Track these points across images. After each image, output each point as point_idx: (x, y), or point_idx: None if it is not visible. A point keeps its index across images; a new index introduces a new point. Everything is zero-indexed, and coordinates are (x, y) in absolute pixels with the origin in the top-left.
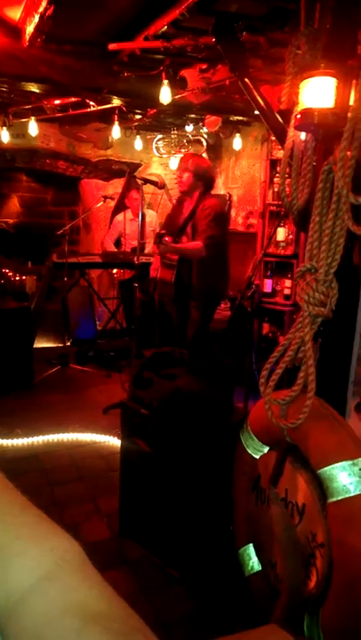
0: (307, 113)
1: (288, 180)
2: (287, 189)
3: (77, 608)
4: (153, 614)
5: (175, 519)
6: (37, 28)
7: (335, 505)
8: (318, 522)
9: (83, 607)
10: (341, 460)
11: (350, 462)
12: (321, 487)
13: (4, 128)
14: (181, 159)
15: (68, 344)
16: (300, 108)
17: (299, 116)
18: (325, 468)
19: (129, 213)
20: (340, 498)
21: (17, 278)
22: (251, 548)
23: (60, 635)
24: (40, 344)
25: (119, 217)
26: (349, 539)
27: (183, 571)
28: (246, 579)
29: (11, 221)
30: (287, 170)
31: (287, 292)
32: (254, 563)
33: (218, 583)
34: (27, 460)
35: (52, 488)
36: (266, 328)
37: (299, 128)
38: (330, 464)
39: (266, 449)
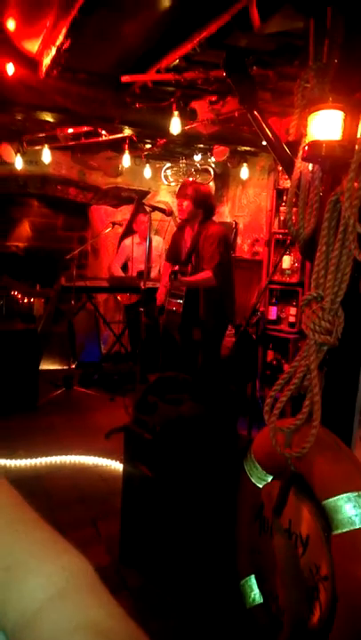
0: (314, 145)
1: (295, 210)
2: (294, 218)
3: (88, 625)
4: None
5: (176, 546)
6: (54, 60)
7: (340, 537)
8: (322, 554)
9: (93, 624)
10: (347, 492)
11: (356, 494)
12: (326, 518)
13: (18, 155)
14: (180, 187)
15: (74, 367)
16: (308, 139)
17: (306, 148)
18: (330, 500)
19: (136, 237)
20: (344, 530)
21: (25, 301)
22: (253, 580)
23: None
24: (45, 366)
25: (127, 241)
26: (354, 572)
27: (184, 600)
28: (248, 610)
29: (21, 245)
30: (293, 200)
31: (292, 319)
32: (256, 595)
33: (220, 614)
34: (29, 482)
35: (53, 511)
36: (270, 355)
37: (306, 159)
38: (335, 495)
39: (270, 478)
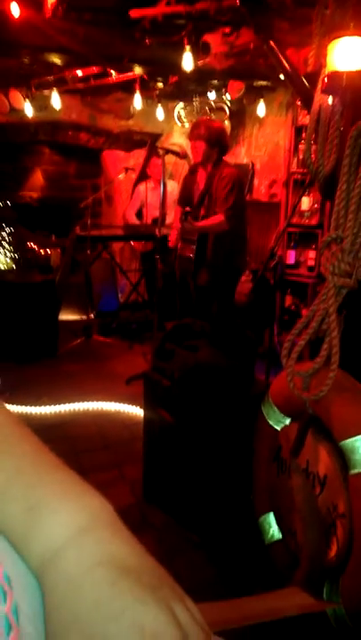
0: (335, 76)
1: (314, 147)
2: (313, 156)
3: (111, 560)
4: (175, 579)
5: (197, 487)
6: None
7: (357, 476)
8: (340, 493)
9: (116, 560)
10: None
11: None
12: (343, 459)
13: (27, 101)
14: (192, 127)
15: (92, 316)
16: (327, 70)
17: (326, 79)
18: (348, 440)
19: (150, 183)
20: None
21: (42, 252)
22: (271, 517)
23: (95, 585)
24: (64, 316)
25: (141, 187)
26: None
27: (205, 536)
28: (267, 546)
29: (35, 195)
30: (313, 136)
31: (311, 263)
32: (275, 531)
33: (238, 550)
34: (53, 429)
35: (77, 456)
36: (289, 300)
37: (326, 91)
38: (352, 436)
39: (288, 420)
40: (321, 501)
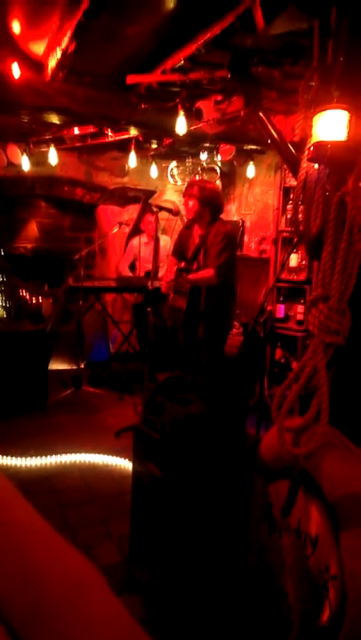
0: (320, 145)
1: (301, 209)
2: (300, 217)
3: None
4: None
5: (186, 545)
6: (59, 62)
7: (348, 536)
8: (332, 553)
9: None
10: (355, 491)
11: None
12: (334, 518)
13: (25, 156)
14: (187, 186)
15: (82, 366)
16: (313, 140)
17: (312, 149)
18: (338, 499)
19: (144, 237)
20: (354, 529)
21: (33, 301)
22: None
23: None
24: (55, 366)
25: (134, 241)
26: None
27: (193, 599)
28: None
29: (29, 246)
30: (300, 199)
31: (300, 317)
32: None
33: (230, 613)
34: (39, 481)
35: (63, 509)
36: (279, 353)
37: (312, 160)
38: (343, 494)
39: (278, 477)
40: (313, 562)
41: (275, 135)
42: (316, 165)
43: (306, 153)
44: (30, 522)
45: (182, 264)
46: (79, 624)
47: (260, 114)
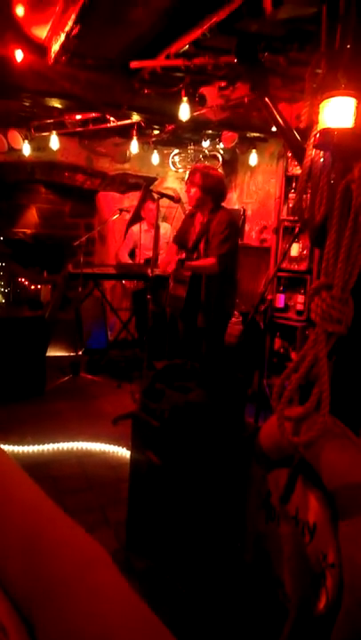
0: (326, 132)
1: (305, 197)
2: (304, 205)
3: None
4: None
5: (183, 533)
6: (63, 46)
7: (347, 525)
8: (330, 542)
9: None
10: (355, 480)
11: None
12: (333, 507)
13: (26, 141)
14: (189, 173)
15: (80, 353)
16: (319, 127)
17: (318, 136)
18: (338, 487)
19: (144, 224)
20: (352, 518)
21: (32, 287)
22: None
23: None
24: (53, 352)
25: (135, 228)
26: None
27: (190, 585)
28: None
29: (29, 232)
30: (304, 186)
31: (300, 307)
32: None
33: (226, 601)
34: (37, 468)
35: (60, 496)
36: (278, 343)
37: (318, 147)
38: (343, 483)
39: (277, 466)
40: (310, 550)
41: (280, 121)
42: (322, 153)
43: (312, 140)
44: (39, 503)
45: (183, 255)
46: (88, 601)
47: (267, 99)
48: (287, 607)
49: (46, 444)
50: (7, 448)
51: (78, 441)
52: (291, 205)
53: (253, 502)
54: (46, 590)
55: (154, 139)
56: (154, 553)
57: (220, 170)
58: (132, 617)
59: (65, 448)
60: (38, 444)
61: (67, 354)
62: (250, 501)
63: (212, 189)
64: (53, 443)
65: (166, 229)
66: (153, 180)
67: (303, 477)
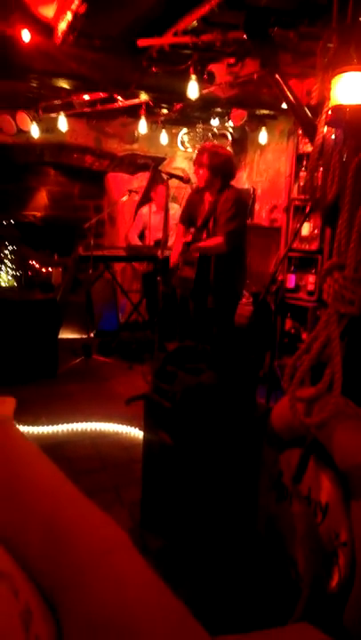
0: (338, 109)
1: (317, 174)
2: (316, 183)
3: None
4: None
5: (196, 512)
6: (70, 25)
7: (360, 505)
8: (342, 521)
9: None
10: None
11: None
12: (345, 486)
13: (34, 123)
14: (197, 153)
15: (92, 335)
16: (331, 103)
17: (330, 112)
18: (350, 467)
19: (153, 206)
20: None
21: (43, 270)
22: None
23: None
24: (64, 335)
25: (144, 209)
26: None
27: (204, 564)
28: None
29: (38, 214)
30: (316, 164)
31: (311, 287)
32: None
33: (240, 580)
34: (51, 449)
35: (75, 477)
36: (288, 324)
37: (330, 124)
38: (355, 463)
39: (289, 446)
40: (323, 529)
41: (291, 98)
42: (334, 130)
43: (323, 117)
44: (59, 485)
45: (189, 237)
46: (111, 586)
47: (277, 76)
48: (300, 586)
49: (60, 425)
50: (22, 429)
51: (91, 422)
52: (302, 184)
53: (265, 482)
54: (68, 574)
55: (162, 118)
56: (168, 532)
57: (228, 148)
58: (155, 602)
59: (78, 429)
60: (52, 425)
61: (78, 336)
62: (262, 480)
63: (221, 169)
64: (67, 424)
65: (175, 210)
66: (162, 160)
67: (316, 457)
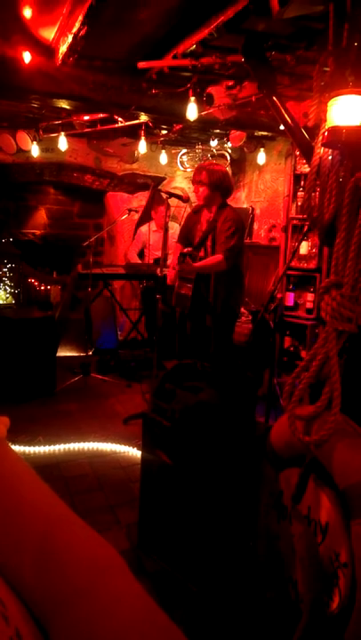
0: (335, 130)
1: (314, 195)
2: (313, 204)
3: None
4: None
5: (195, 533)
6: (70, 47)
7: (360, 524)
8: (342, 541)
9: None
10: None
11: None
12: (345, 506)
13: (35, 142)
14: (195, 172)
15: (90, 353)
16: (327, 125)
17: (326, 134)
18: (350, 486)
19: (153, 225)
20: None
21: (42, 288)
22: None
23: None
24: (63, 353)
25: (143, 228)
26: None
27: (202, 586)
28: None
29: (38, 233)
30: (313, 185)
31: (309, 305)
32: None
33: (237, 599)
34: (48, 469)
35: (71, 497)
36: (288, 342)
37: (326, 145)
38: (355, 482)
39: (288, 465)
40: (323, 550)
41: (288, 120)
42: (331, 151)
43: (320, 138)
44: (51, 505)
45: (185, 250)
46: (104, 609)
47: (274, 98)
48: (300, 607)
49: (57, 445)
50: (18, 449)
51: (89, 441)
52: (300, 204)
53: (265, 501)
54: (60, 597)
55: (162, 138)
56: (166, 553)
57: (228, 169)
58: (149, 626)
59: (76, 448)
60: (49, 445)
61: (77, 354)
62: (262, 501)
63: (219, 185)
64: (64, 443)
65: (175, 229)
66: (161, 179)
67: (315, 476)
